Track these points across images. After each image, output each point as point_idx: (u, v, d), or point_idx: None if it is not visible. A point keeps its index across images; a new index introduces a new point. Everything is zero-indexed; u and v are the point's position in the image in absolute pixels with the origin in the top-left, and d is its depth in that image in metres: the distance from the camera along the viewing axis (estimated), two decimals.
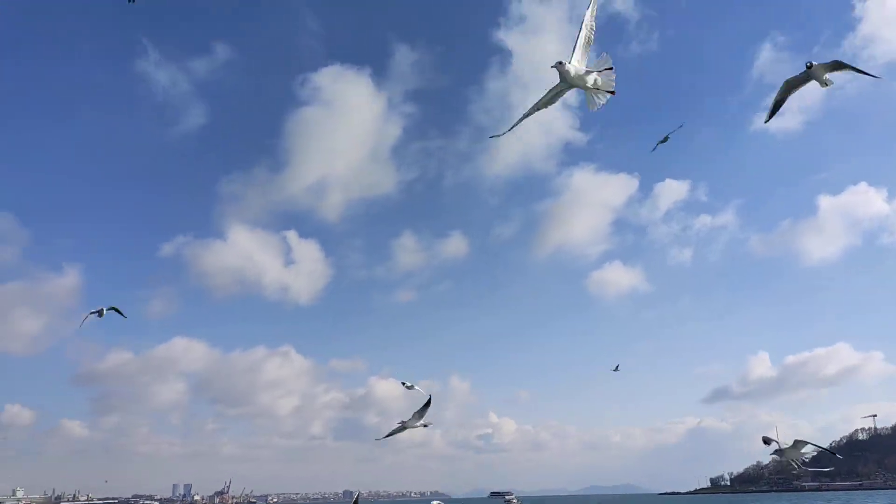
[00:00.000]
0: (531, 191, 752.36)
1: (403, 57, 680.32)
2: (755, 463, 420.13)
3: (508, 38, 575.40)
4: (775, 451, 18.74)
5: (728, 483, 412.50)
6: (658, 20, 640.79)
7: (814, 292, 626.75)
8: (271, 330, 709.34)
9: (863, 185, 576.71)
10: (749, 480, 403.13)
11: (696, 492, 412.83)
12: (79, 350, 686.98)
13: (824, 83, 15.80)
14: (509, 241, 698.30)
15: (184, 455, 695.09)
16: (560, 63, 11.23)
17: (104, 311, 25.48)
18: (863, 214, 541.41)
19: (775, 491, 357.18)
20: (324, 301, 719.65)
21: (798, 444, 18.31)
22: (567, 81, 11.86)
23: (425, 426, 18.00)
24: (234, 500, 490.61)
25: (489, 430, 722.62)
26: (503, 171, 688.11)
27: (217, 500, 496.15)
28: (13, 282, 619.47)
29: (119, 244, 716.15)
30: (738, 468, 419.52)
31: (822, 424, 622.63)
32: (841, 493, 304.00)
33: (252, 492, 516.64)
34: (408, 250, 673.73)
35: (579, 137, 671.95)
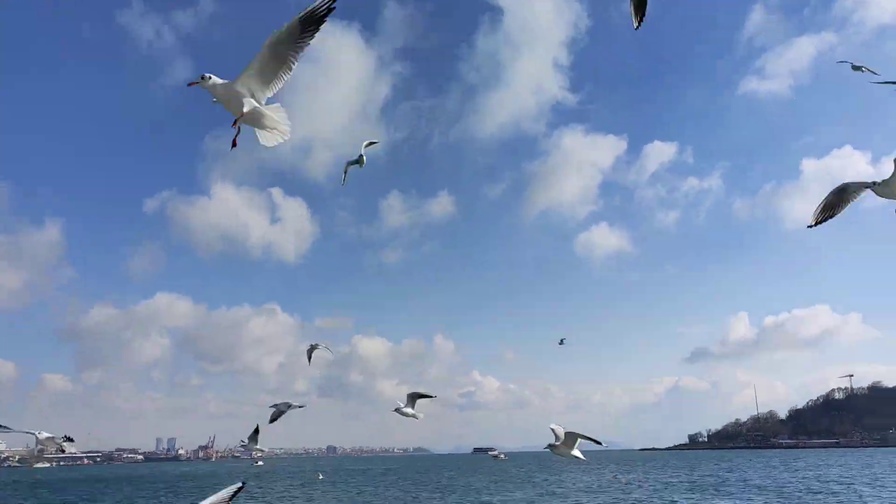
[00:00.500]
0: (520, 151, 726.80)
1: (393, 13, 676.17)
2: (733, 420, 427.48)
3: None
4: (548, 446, 18.36)
5: (705, 439, 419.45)
6: None
7: (795, 255, 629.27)
8: (256, 287, 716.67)
9: (847, 149, 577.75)
10: (727, 437, 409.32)
11: (674, 448, 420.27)
12: (62, 305, 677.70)
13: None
14: (497, 201, 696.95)
15: (167, 410, 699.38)
16: (203, 78, 8.21)
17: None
18: (846, 177, 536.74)
19: (752, 448, 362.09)
20: (310, 259, 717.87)
21: (569, 436, 17.61)
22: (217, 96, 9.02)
23: (416, 417, 17.97)
24: (219, 455, 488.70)
25: (472, 389, 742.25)
26: (492, 131, 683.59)
27: (201, 454, 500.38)
28: None
29: (102, 199, 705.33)
30: (716, 425, 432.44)
31: (798, 385, 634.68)
32: (818, 450, 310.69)
33: (236, 447, 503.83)
34: (395, 210, 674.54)
35: (569, 98, 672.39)
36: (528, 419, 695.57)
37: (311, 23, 7.18)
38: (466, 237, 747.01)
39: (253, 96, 7.77)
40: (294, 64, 7.48)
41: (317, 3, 7.11)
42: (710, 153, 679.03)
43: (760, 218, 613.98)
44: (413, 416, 17.36)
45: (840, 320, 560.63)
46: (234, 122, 7.91)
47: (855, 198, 13.31)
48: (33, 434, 14.77)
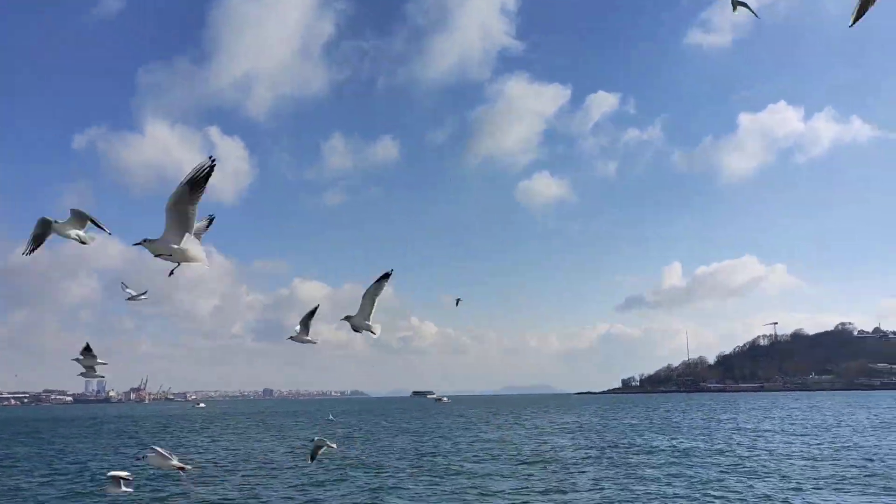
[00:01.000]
0: (465, 97, 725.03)
1: None
2: (665, 366, 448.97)
3: None
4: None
5: (638, 384, 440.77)
6: None
7: (728, 207, 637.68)
8: None
9: (782, 104, 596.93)
10: (658, 382, 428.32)
11: (608, 392, 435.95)
12: None
13: None
14: (441, 147, 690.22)
15: (97, 352, 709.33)
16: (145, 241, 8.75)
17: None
18: (779, 133, 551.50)
19: (683, 391, 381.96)
20: (248, 201, 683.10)
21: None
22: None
23: (314, 342, 13.43)
24: (151, 397, 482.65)
25: (410, 333, 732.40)
26: (437, 76, 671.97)
27: (133, 396, 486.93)
28: None
29: (30, 134, 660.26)
30: (647, 371, 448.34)
31: (724, 332, 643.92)
32: (743, 393, 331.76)
33: (170, 389, 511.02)
34: (337, 153, 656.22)
35: (515, 45, 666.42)
36: (464, 364, 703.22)
37: (196, 184, 8.27)
38: (409, 182, 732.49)
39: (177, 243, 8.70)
40: (193, 214, 8.54)
41: (195, 171, 8.27)
42: (652, 105, 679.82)
43: (698, 170, 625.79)
44: (311, 342, 13.76)
45: (766, 270, 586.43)
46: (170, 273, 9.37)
47: None
48: None
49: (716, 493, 31.37)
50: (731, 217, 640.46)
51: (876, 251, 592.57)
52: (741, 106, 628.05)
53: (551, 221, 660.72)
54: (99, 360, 13.28)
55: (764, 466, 40.61)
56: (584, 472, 39.07)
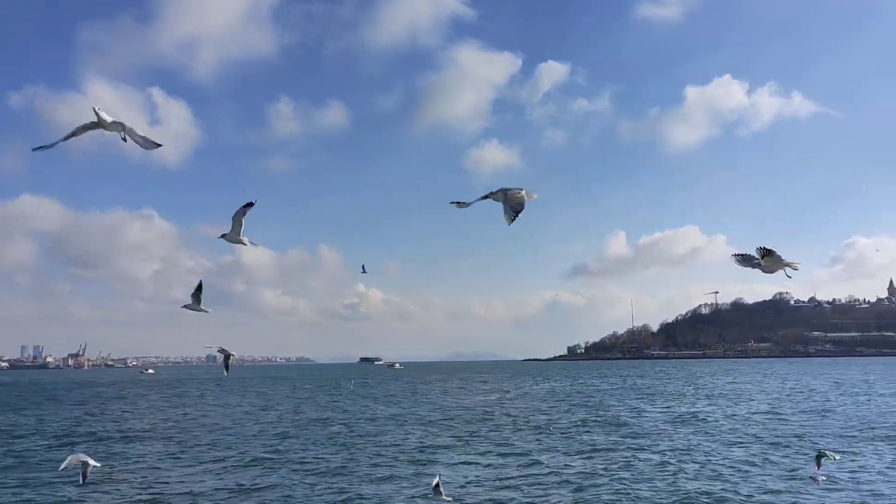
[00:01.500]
0: (415, 64, 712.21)
1: None
2: (611, 333, 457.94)
3: None
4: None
5: (583, 351, 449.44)
6: None
7: (672, 178, 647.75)
8: (133, 192, 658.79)
9: (727, 78, 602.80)
10: (604, 349, 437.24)
11: (554, 359, 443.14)
12: None
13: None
14: (390, 113, 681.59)
15: (33, 317, 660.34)
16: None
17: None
18: (724, 106, 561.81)
19: (627, 358, 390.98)
20: (192, 165, 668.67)
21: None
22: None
23: (207, 311, 13.37)
24: (90, 363, 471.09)
25: (356, 300, 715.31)
26: (387, 42, 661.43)
27: (71, 362, 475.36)
28: None
29: None
30: (590, 338, 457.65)
31: (666, 300, 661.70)
32: (686, 360, 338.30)
33: (109, 355, 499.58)
34: (284, 117, 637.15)
35: (467, 12, 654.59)
36: (410, 331, 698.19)
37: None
38: (357, 149, 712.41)
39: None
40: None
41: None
42: (601, 76, 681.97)
43: (643, 141, 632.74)
44: (204, 311, 13.26)
45: (707, 241, 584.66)
46: None
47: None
48: None
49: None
50: (674, 188, 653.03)
51: (812, 224, 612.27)
52: (688, 79, 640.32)
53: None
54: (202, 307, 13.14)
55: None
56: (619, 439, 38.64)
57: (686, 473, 27.65)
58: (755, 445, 34.97)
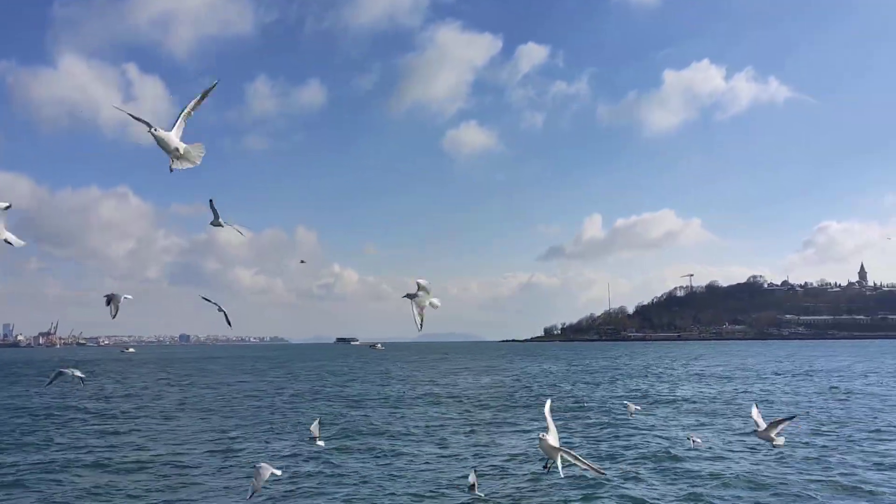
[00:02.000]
0: (394, 44, 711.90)
1: None
2: (588, 315, 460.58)
3: None
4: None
5: (559, 332, 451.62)
6: None
7: (649, 161, 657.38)
8: (107, 169, 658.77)
9: (705, 62, 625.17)
10: (580, 330, 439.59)
11: (531, 340, 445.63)
12: None
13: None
14: (368, 93, 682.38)
15: (1, 295, 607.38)
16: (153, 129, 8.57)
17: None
18: (702, 90, 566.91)
19: (604, 340, 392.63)
20: None
21: None
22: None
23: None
24: (62, 342, 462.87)
25: (331, 280, 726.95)
26: (367, 22, 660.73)
27: (42, 340, 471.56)
28: None
29: None
30: (565, 320, 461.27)
31: (640, 282, 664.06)
32: (662, 342, 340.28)
33: (81, 334, 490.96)
34: (262, 96, 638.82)
35: None
36: (384, 311, 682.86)
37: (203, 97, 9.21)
38: (334, 129, 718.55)
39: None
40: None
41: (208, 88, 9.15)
42: (579, 58, 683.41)
43: (621, 125, 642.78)
44: (226, 226, 12.16)
45: (683, 224, 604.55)
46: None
47: None
48: None
49: None
50: (651, 171, 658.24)
51: (786, 209, 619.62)
52: (666, 63, 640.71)
53: (477, 171, 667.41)
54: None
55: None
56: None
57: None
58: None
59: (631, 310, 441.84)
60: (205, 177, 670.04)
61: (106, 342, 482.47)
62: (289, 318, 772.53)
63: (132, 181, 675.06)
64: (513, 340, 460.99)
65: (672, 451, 27.65)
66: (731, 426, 34.76)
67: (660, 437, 31.39)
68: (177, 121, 9.38)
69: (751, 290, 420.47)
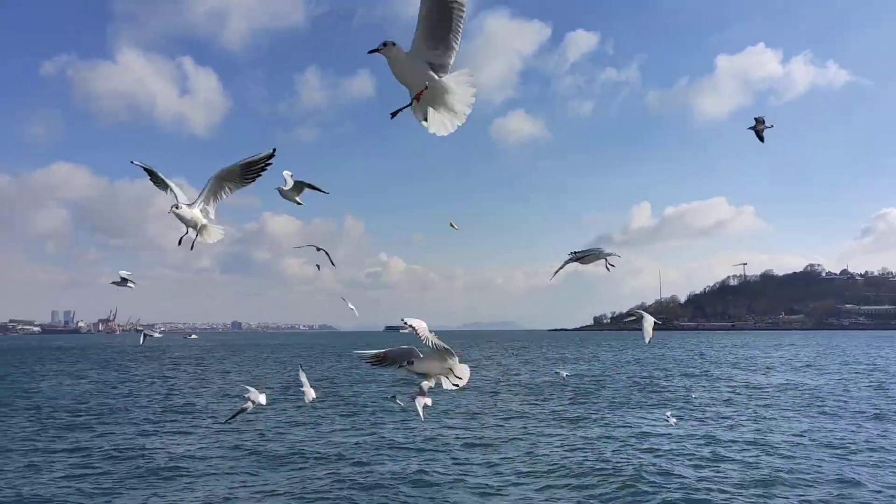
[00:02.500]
0: None
1: None
2: (639, 303, 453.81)
3: None
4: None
5: (609, 321, 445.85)
6: None
7: (700, 148, 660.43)
8: (164, 160, 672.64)
9: (760, 46, 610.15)
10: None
11: (581, 328, 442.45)
12: None
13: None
14: None
15: (63, 283, 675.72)
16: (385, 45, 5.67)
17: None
18: (757, 75, 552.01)
19: (655, 329, 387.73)
20: (221, 134, 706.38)
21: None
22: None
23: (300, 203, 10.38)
24: (121, 328, 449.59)
25: (378, 269, 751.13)
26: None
27: (102, 327, 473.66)
28: None
29: None
30: (614, 309, 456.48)
31: (688, 271, 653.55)
32: (716, 332, 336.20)
33: (139, 321, 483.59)
34: (312, 87, 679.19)
35: None
36: (429, 300, 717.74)
37: (250, 172, 7.29)
38: (382, 119, 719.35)
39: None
40: (228, 195, 7.65)
41: (255, 157, 7.18)
42: (630, 45, 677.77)
43: (672, 111, 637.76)
44: (298, 202, 10.55)
45: (734, 212, 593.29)
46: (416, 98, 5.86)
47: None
48: None
49: None
50: (702, 159, 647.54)
51: (843, 196, 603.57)
52: (719, 48, 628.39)
53: (524, 159, 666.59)
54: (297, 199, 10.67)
55: None
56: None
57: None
58: None
59: (682, 298, 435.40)
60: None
61: (163, 328, 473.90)
62: (336, 306, 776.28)
63: (187, 172, 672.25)
64: (562, 329, 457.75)
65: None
66: None
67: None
68: (203, 192, 8.00)
69: (807, 279, 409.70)
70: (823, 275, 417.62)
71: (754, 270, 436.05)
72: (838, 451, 24.01)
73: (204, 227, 8.21)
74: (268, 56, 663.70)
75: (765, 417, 31.58)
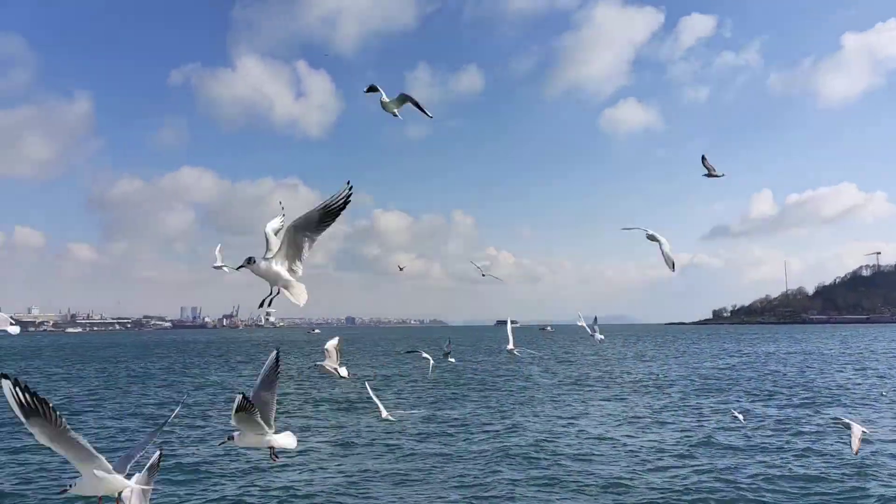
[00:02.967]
0: (551, 25, 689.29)
1: None
2: (763, 296, 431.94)
3: None
4: None
5: (729, 314, 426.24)
6: None
7: (826, 132, 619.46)
8: (280, 162, 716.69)
9: (892, 22, 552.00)
10: (753, 312, 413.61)
11: (700, 322, 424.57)
12: (90, 176, 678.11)
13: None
14: (525, 76, 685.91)
15: (190, 281, 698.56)
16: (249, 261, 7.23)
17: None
18: (888, 53, 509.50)
19: (783, 323, 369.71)
20: (334, 135, 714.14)
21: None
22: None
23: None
24: (244, 324, 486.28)
25: (487, 263, 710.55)
26: (524, 5, 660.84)
27: (226, 322, 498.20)
28: (24, 106, 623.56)
29: (129, 71, 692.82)
30: (734, 302, 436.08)
31: (814, 262, 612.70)
32: (848, 325, 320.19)
33: (259, 316, 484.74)
34: (422, 83, 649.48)
35: None
36: (538, 294, 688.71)
37: (329, 214, 6.93)
38: (492, 113, 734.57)
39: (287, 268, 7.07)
40: (313, 244, 7.12)
41: (332, 199, 6.82)
42: (749, 27, 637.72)
43: (795, 94, 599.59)
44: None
45: (865, 198, 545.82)
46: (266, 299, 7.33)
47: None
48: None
49: None
50: (828, 143, 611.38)
51: None
52: (846, 25, 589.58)
53: (635, 149, 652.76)
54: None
55: None
56: None
57: None
58: None
59: (810, 290, 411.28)
60: (369, 165, 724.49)
61: (281, 324, 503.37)
62: (446, 300, 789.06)
63: (301, 172, 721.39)
64: (679, 323, 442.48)
65: None
66: None
67: None
68: (282, 246, 7.26)
69: None
70: None
71: (888, 260, 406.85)
72: None
73: (288, 283, 7.48)
74: (379, 56, 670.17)
75: None
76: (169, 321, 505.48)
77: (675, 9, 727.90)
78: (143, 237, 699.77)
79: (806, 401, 38.67)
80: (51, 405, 6.31)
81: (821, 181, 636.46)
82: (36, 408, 6.18)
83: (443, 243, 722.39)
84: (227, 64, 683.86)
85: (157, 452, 8.20)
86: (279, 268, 7.32)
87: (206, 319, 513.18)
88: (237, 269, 7.40)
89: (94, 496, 7.22)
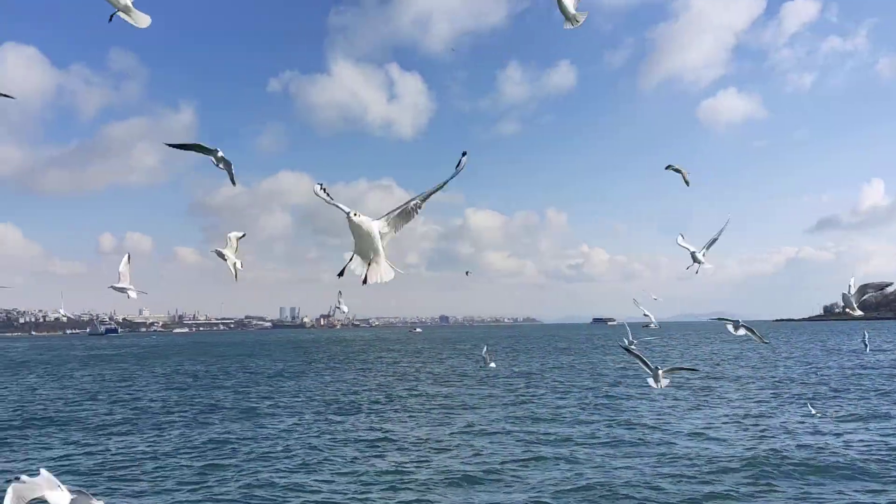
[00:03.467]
0: (646, 15, 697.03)
1: None
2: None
3: None
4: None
5: (842, 310, 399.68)
6: None
7: None
8: (373, 164, 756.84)
9: None
10: (868, 307, 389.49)
11: (810, 318, 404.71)
12: (194, 183, 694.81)
13: None
14: (619, 69, 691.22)
15: (288, 281, 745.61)
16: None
17: None
18: None
19: None
20: (426, 135, 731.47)
21: None
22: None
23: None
24: (340, 323, 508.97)
25: (580, 260, 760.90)
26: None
27: (323, 321, 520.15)
28: (136, 117, 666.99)
29: (231, 81, 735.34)
30: (839, 297, 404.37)
31: None
32: None
33: (355, 316, 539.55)
34: (513, 81, 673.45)
35: None
36: (636, 290, 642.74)
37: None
38: (584, 108, 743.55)
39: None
40: (414, 218, 7.47)
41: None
42: (857, 10, 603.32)
43: None
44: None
45: None
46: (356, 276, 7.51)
47: None
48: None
49: None
50: None
51: None
52: None
53: (735, 140, 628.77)
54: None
55: None
56: None
57: None
58: None
59: None
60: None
61: (376, 322, 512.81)
62: (539, 298, 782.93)
63: (395, 173, 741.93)
64: (788, 319, 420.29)
65: None
66: None
67: None
68: (393, 212, 7.54)
69: None
70: None
71: None
72: None
73: (379, 253, 7.59)
74: (469, 55, 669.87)
75: None
76: (269, 321, 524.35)
77: None
78: (245, 240, 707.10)
79: None
80: None
81: None
82: None
83: (535, 241, 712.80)
84: (323, 70, 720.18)
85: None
86: (380, 224, 7.27)
87: (305, 319, 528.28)
88: (346, 214, 7.34)
89: None
